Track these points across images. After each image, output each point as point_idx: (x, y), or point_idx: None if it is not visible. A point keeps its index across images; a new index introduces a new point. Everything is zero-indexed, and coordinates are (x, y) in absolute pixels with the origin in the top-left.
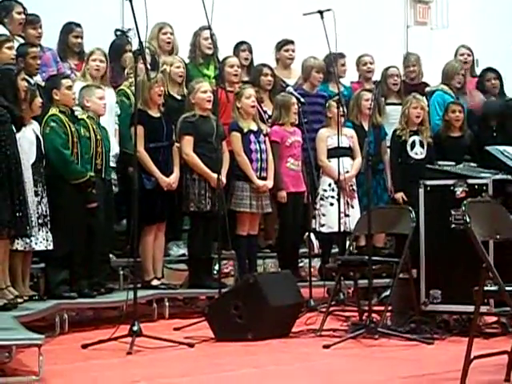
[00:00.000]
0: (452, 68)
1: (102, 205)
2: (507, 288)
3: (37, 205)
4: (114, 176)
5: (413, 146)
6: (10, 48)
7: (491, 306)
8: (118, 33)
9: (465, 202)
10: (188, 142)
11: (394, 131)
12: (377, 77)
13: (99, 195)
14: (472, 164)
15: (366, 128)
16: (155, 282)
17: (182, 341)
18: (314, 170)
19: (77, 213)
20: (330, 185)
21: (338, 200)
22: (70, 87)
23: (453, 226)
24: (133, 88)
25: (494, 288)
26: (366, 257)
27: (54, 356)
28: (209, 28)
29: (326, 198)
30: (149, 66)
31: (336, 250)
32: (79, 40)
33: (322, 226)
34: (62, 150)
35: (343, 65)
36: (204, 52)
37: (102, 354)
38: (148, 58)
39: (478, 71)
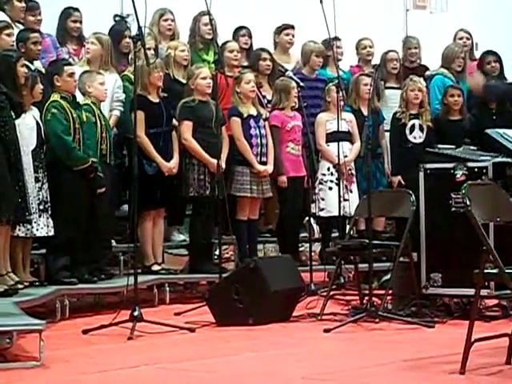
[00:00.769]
0: (452, 52)
1: (107, 190)
2: (507, 271)
3: (37, 191)
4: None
5: (412, 129)
6: (9, 35)
7: (492, 288)
8: (117, 18)
9: (465, 185)
10: (187, 127)
11: (394, 114)
12: (376, 60)
13: (105, 180)
14: (472, 147)
15: (365, 112)
16: (156, 268)
17: (182, 326)
18: (313, 154)
19: (78, 199)
20: (328, 169)
21: (337, 184)
22: (71, 74)
23: (453, 209)
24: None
25: (494, 271)
26: (367, 241)
27: (54, 342)
28: (208, 13)
29: (325, 182)
30: (151, 52)
31: (336, 234)
32: (78, 24)
33: (321, 210)
34: (63, 137)
35: (338, 47)
36: (203, 37)
37: (102, 339)
38: (152, 43)
39: (477, 55)
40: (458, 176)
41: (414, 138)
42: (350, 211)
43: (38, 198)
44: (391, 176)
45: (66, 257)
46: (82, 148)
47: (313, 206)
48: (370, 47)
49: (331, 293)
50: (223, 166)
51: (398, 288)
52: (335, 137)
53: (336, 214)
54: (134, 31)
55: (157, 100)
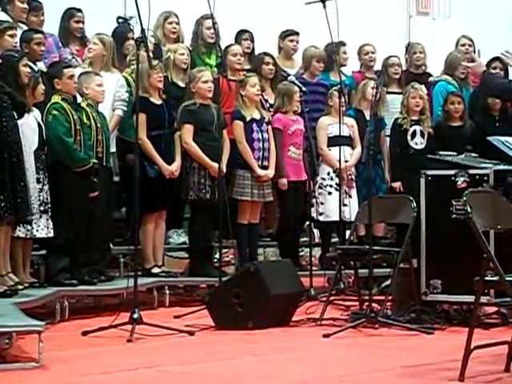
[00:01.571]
0: (455, 58)
1: (103, 192)
2: (508, 278)
3: (38, 192)
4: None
5: (413, 135)
6: (12, 36)
7: (491, 296)
8: (120, 20)
9: (466, 192)
10: (188, 131)
11: (395, 120)
12: (378, 66)
13: (101, 183)
14: (473, 154)
15: (368, 117)
16: (156, 270)
17: (182, 329)
18: (315, 158)
19: (79, 200)
20: (328, 173)
21: (337, 189)
22: (71, 76)
23: (454, 216)
24: (134, 75)
25: (494, 278)
26: (367, 246)
27: (54, 343)
28: (211, 17)
29: (325, 186)
30: (151, 54)
31: (336, 239)
32: (80, 25)
33: (321, 214)
34: (64, 138)
35: (344, 53)
36: (206, 41)
37: (102, 341)
38: (150, 46)
39: None
40: (459, 183)
41: (416, 144)
42: (350, 216)
43: (39, 199)
44: (391, 182)
45: (66, 258)
46: (83, 150)
47: (312, 210)
48: (372, 53)
49: (331, 298)
50: (224, 169)
51: (397, 294)
52: (336, 141)
53: (335, 218)
54: (137, 33)
55: (159, 102)
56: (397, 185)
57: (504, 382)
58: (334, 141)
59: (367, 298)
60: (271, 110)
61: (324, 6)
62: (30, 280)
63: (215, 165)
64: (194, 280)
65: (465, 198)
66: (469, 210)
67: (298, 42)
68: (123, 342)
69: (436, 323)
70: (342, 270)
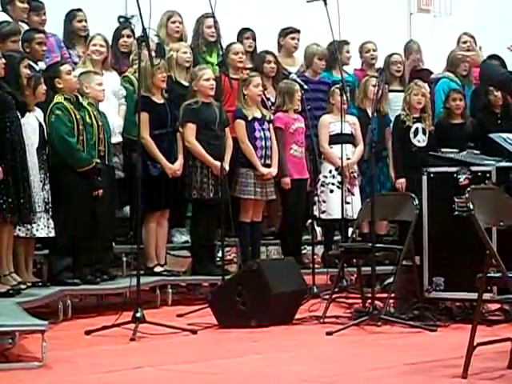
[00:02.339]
0: (457, 56)
1: (106, 191)
2: (510, 275)
3: (39, 191)
4: (116, 160)
5: (416, 133)
6: (14, 41)
7: (494, 293)
8: (122, 19)
9: (468, 189)
10: (190, 130)
11: (398, 117)
12: (380, 64)
13: (103, 182)
14: (475, 151)
15: (370, 115)
16: (158, 269)
17: (185, 327)
18: (317, 157)
19: (81, 200)
20: (330, 171)
21: (339, 187)
22: (69, 72)
23: (456, 213)
24: (137, 74)
25: (497, 275)
26: (369, 244)
27: (57, 342)
28: (212, 16)
29: (327, 184)
30: (153, 53)
31: (339, 237)
32: (83, 23)
33: (323, 212)
34: (67, 138)
35: (348, 52)
36: (207, 40)
37: (105, 340)
38: (152, 45)
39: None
40: (462, 180)
41: (418, 141)
42: (352, 214)
43: (40, 199)
44: (396, 179)
45: (68, 258)
46: (86, 149)
47: (314, 208)
48: (374, 51)
49: (334, 296)
50: (227, 167)
51: (400, 291)
52: (338, 139)
53: (337, 216)
54: (138, 32)
55: (161, 101)
56: (401, 182)
57: (507, 379)
58: (336, 139)
59: (370, 295)
60: (273, 108)
61: (325, 4)
62: (33, 279)
63: (218, 163)
64: (196, 279)
65: (467, 195)
66: (471, 206)
67: (298, 40)
68: (126, 341)
69: (439, 320)
70: (344, 268)
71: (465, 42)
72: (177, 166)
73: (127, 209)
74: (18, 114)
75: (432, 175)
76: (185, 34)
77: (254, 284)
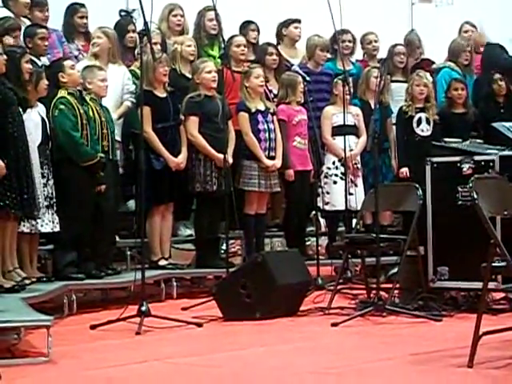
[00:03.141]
0: (458, 45)
1: (110, 186)
2: None
3: (43, 187)
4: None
5: (419, 122)
6: (15, 37)
7: (499, 282)
8: (123, 13)
9: (472, 178)
10: (193, 123)
11: (400, 108)
12: (381, 55)
13: (108, 177)
14: (478, 140)
15: (373, 106)
16: (163, 262)
17: (190, 320)
18: (320, 148)
19: (86, 195)
20: (333, 163)
21: (342, 178)
22: (73, 66)
23: (460, 202)
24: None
25: (502, 264)
26: (374, 235)
27: (62, 337)
28: (214, 9)
29: (330, 176)
30: (157, 47)
31: (343, 228)
32: (84, 20)
33: (326, 204)
34: (71, 133)
35: (350, 41)
36: (208, 32)
37: (110, 334)
38: (158, 38)
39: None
40: (465, 169)
41: (422, 130)
42: (356, 205)
43: (44, 194)
44: (399, 168)
45: (73, 252)
46: (90, 144)
47: (318, 199)
48: (376, 41)
49: (338, 287)
50: (230, 160)
51: (405, 282)
52: (341, 130)
53: (340, 208)
54: (139, 26)
55: (164, 95)
56: (404, 170)
57: None
58: (339, 130)
59: (375, 286)
60: (275, 100)
61: None
62: (38, 275)
63: (221, 156)
64: (201, 272)
65: (471, 185)
66: (475, 196)
67: (301, 29)
68: (132, 335)
69: (444, 310)
70: (349, 259)
71: (466, 32)
72: (180, 159)
73: (131, 202)
74: (20, 110)
75: (435, 165)
76: (186, 27)
77: (258, 276)
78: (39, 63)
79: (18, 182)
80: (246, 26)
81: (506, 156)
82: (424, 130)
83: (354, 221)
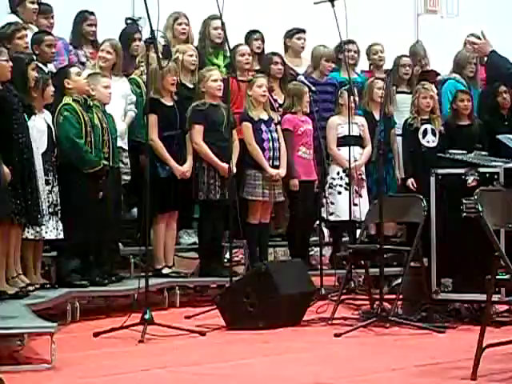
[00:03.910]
0: (464, 57)
1: (112, 193)
2: None
3: (47, 194)
4: (124, 160)
5: (425, 134)
6: (21, 37)
7: (502, 294)
8: (129, 21)
9: (476, 190)
10: (198, 131)
11: (406, 120)
12: (387, 65)
13: (109, 183)
14: (483, 152)
15: (377, 117)
16: (166, 271)
17: (193, 329)
18: (324, 158)
19: (89, 202)
20: (338, 173)
21: (346, 189)
22: (79, 73)
23: (464, 214)
24: (144, 77)
25: (505, 277)
26: (377, 245)
27: (65, 344)
28: (220, 18)
29: (335, 186)
30: (160, 55)
31: (347, 238)
32: (93, 28)
33: (331, 214)
34: (75, 140)
35: (355, 52)
36: (213, 41)
37: (113, 342)
38: (160, 47)
39: None
40: (470, 181)
41: (428, 142)
42: (360, 216)
43: (48, 201)
44: (405, 179)
45: (77, 259)
46: (94, 151)
47: (322, 209)
48: (381, 52)
49: (342, 297)
50: (234, 169)
51: (408, 293)
52: (346, 141)
53: (345, 218)
54: (145, 34)
55: (170, 103)
56: (411, 181)
57: None
58: (344, 140)
59: (378, 297)
60: (280, 109)
61: (332, 6)
62: (41, 281)
63: (225, 165)
64: (204, 280)
65: (475, 197)
66: (479, 208)
67: (305, 40)
68: (135, 343)
69: (447, 322)
70: (352, 270)
71: (471, 44)
72: (186, 168)
73: (135, 210)
74: (25, 117)
75: (440, 176)
76: (191, 35)
77: (261, 286)
78: (46, 70)
79: (22, 188)
80: (250, 35)
81: (510, 168)
82: (430, 141)
83: (358, 231)
